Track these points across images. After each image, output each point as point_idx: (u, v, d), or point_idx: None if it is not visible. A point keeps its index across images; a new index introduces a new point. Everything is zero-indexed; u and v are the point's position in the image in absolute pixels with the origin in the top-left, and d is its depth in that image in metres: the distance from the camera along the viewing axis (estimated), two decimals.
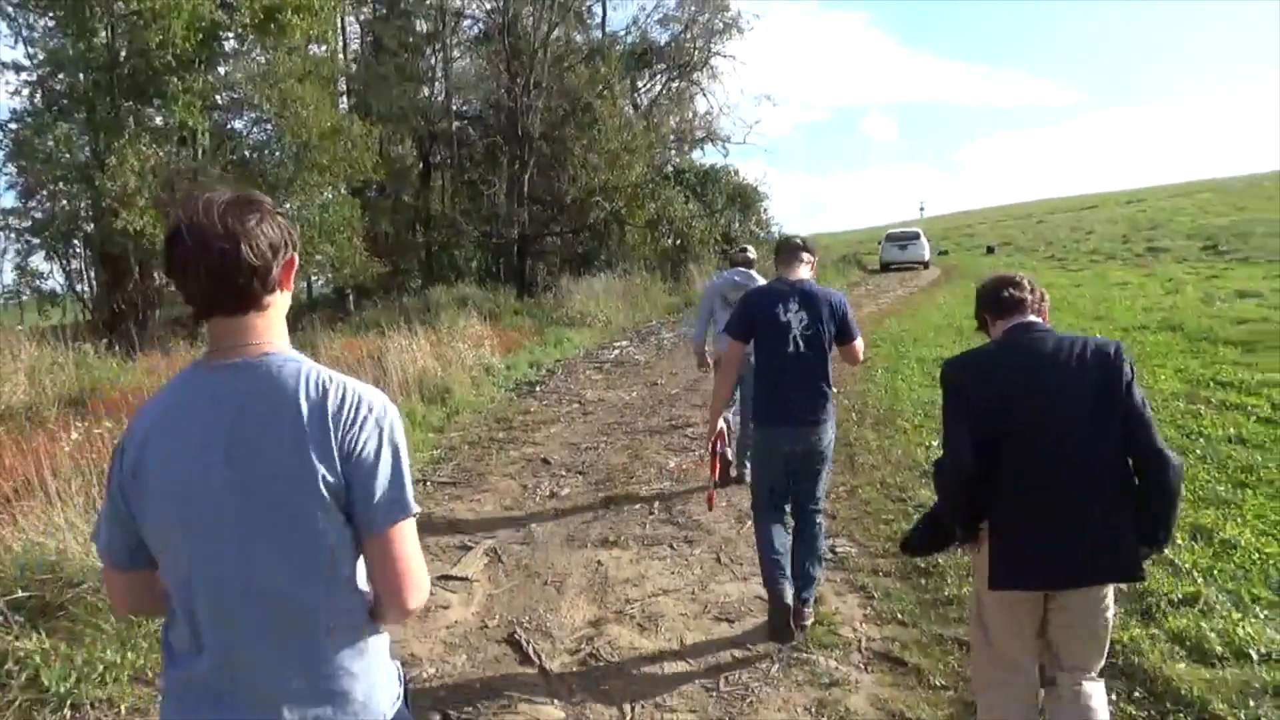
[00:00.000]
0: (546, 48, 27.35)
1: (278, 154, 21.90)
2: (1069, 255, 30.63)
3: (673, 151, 33.40)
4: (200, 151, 21.83)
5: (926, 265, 32.05)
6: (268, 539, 1.46)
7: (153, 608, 1.64)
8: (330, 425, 1.46)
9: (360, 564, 1.55)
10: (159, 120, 20.04)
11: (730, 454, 6.49)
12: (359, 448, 1.47)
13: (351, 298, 25.74)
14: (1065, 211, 58.81)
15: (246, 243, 1.45)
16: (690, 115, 36.03)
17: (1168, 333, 11.63)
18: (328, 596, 1.50)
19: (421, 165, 31.33)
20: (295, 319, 21.02)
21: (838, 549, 5.15)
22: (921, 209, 69.56)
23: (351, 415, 1.48)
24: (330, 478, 1.45)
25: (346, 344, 13.30)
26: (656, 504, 6.25)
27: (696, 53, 34.27)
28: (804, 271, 4.21)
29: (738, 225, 29.85)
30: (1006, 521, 2.61)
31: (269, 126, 23.06)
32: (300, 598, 1.48)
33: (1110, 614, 2.72)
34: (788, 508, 4.22)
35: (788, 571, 4.06)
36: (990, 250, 37.48)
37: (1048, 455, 2.55)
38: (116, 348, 14.16)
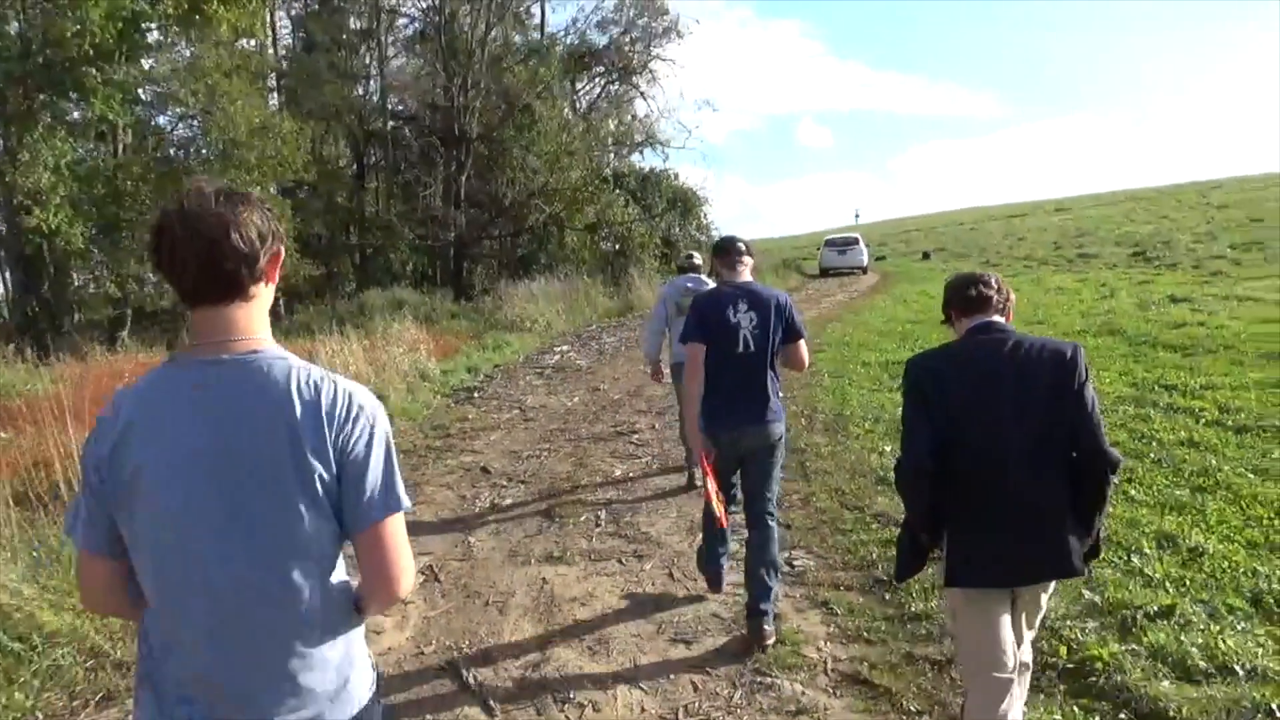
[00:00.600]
0: (484, 47, 26.89)
1: (203, 151, 21.05)
2: (1003, 261, 31.07)
3: (611, 155, 33.15)
4: (121, 148, 20.96)
5: (865, 270, 32.20)
6: (259, 536, 1.45)
7: (123, 608, 1.61)
8: (325, 425, 1.47)
9: (340, 558, 1.56)
10: (76, 114, 19.14)
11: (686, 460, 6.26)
12: (352, 446, 1.49)
13: (282, 301, 24.94)
14: (997, 219, 59.82)
15: (235, 230, 1.46)
16: (629, 119, 35.83)
17: (1108, 336, 11.69)
18: (317, 592, 1.50)
19: (355, 166, 30.57)
20: None
21: (795, 562, 4.89)
22: (857, 215, 70.56)
23: (344, 414, 1.49)
24: (326, 476, 1.47)
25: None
26: (603, 514, 5.93)
27: (635, 56, 34.09)
28: (746, 274, 4.23)
29: (678, 230, 29.68)
30: (964, 519, 2.64)
31: (195, 123, 22.26)
32: (290, 594, 1.48)
33: (1046, 603, 2.85)
34: (735, 509, 4.26)
35: (723, 565, 4.39)
36: (926, 256, 37.92)
37: (1004, 453, 2.58)
38: (28, 353, 13.40)
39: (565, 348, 15.22)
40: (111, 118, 18.01)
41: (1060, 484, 2.60)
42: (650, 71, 34.09)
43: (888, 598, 4.35)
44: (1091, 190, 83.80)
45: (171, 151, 22.34)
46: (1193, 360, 9.60)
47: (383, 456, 1.53)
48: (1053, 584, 2.78)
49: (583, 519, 5.86)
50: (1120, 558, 4.52)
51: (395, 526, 1.54)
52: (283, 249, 1.57)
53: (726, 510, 4.08)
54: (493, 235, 28.21)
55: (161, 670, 1.50)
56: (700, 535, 4.63)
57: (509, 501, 6.35)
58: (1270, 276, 17.47)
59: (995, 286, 2.82)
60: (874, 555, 4.86)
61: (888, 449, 6.95)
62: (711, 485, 4.02)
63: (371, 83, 30.81)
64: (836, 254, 32.49)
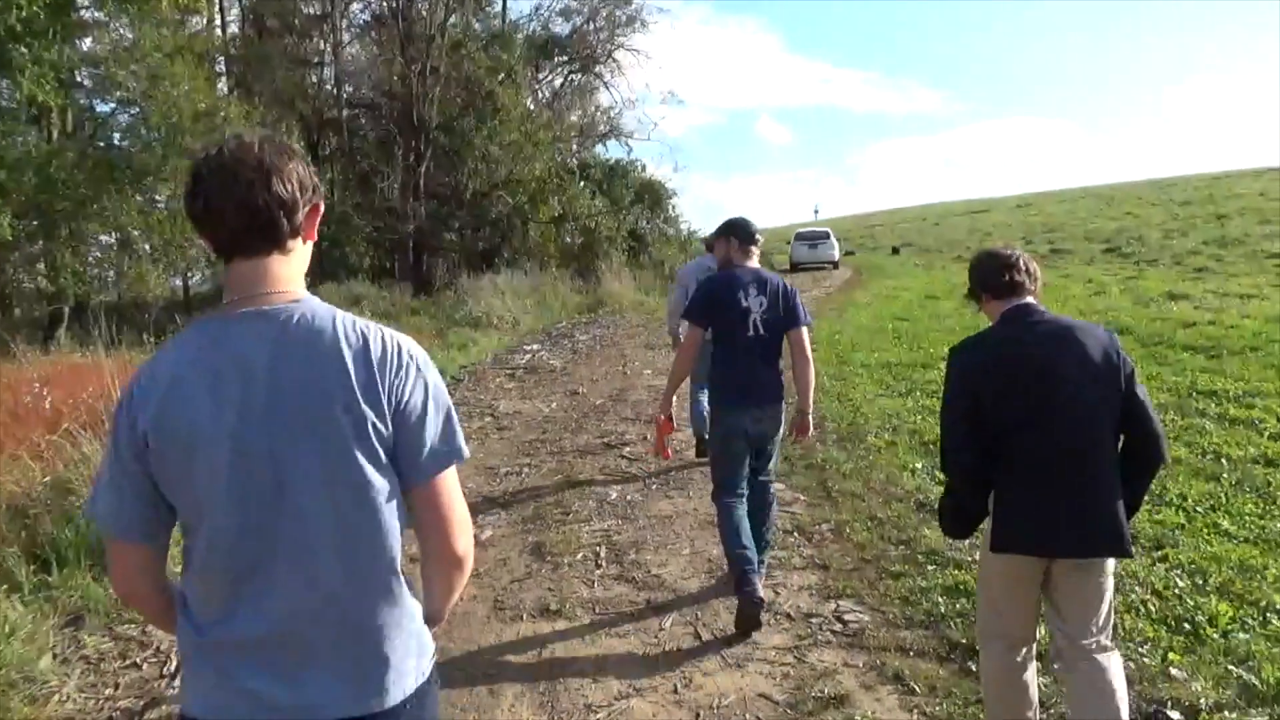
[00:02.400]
0: (444, 33, 25.73)
1: (145, 134, 19.68)
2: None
3: (575, 146, 32.16)
4: (55, 132, 19.61)
5: (836, 265, 31.54)
6: (319, 491, 1.40)
7: (149, 597, 1.53)
8: (377, 374, 1.42)
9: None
10: (3, 96, 17.74)
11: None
12: (407, 396, 1.45)
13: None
14: (959, 215, 59.68)
15: (277, 176, 1.43)
16: (593, 110, 34.92)
17: (1118, 336, 11.02)
18: (382, 551, 1.45)
19: (309, 155, 29.17)
20: (169, 318, 19.14)
21: (846, 616, 4.04)
22: (816, 211, 70.24)
23: (395, 362, 1.44)
24: (381, 427, 1.42)
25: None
26: (603, 551, 5.03)
27: (599, 45, 33.17)
28: (755, 261, 4.31)
29: (645, 223, 28.83)
30: (1012, 492, 2.64)
31: (136, 109, 20.90)
32: (355, 553, 1.43)
33: (1110, 589, 2.72)
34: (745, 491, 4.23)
35: (755, 563, 3.99)
36: (896, 251, 37.41)
37: (1055, 435, 2.58)
38: None
39: (536, 346, 14.24)
40: (43, 99, 16.69)
41: (1114, 464, 2.62)
42: (614, 61, 33.20)
43: (973, 668, 3.50)
44: (1049, 187, 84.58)
45: (116, 137, 20.94)
46: (1219, 363, 8.92)
47: (437, 406, 1.48)
48: (1110, 563, 2.71)
49: (579, 557, 4.95)
50: (1254, 617, 3.72)
51: (451, 479, 1.50)
52: (322, 204, 1.54)
53: (737, 480, 4.14)
54: (453, 228, 27.06)
55: (213, 637, 1.42)
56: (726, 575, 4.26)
57: (488, 533, 5.41)
58: (1256, 273, 17.05)
59: (1026, 269, 2.81)
60: (940, 608, 4.03)
61: (919, 465, 6.15)
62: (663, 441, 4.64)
63: (326, 69, 29.55)
64: (807, 248, 31.76)
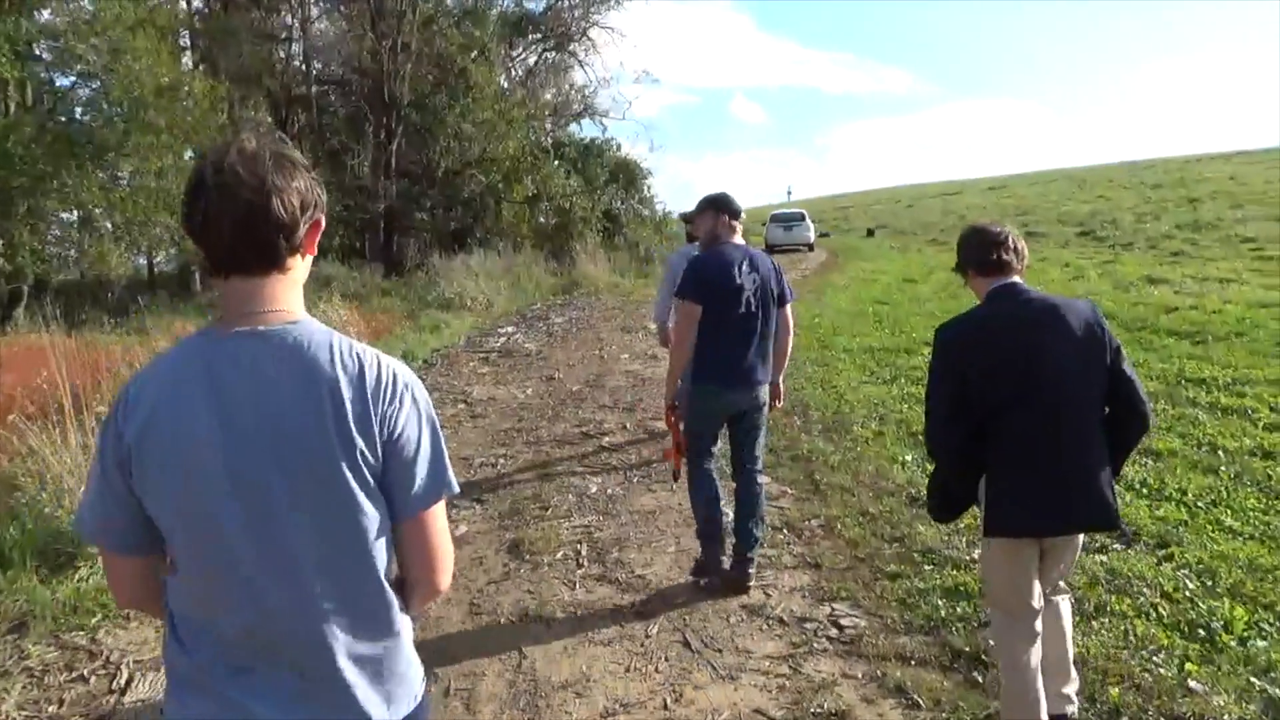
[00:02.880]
0: (415, 9, 25.16)
1: (106, 109, 19.06)
2: (950, 239, 30.60)
3: (549, 125, 31.68)
4: (12, 106, 18.95)
5: (811, 248, 31.36)
6: (304, 515, 1.36)
7: (152, 603, 1.50)
8: (370, 401, 1.38)
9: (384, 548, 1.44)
10: None
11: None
12: (400, 427, 1.41)
13: (197, 276, 23.04)
14: (932, 197, 59.67)
15: (277, 196, 1.37)
16: (567, 88, 34.44)
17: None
18: (369, 575, 1.41)
19: (278, 132, 28.55)
20: (132, 298, 18.59)
21: (843, 621, 3.84)
22: (789, 192, 69.93)
23: (389, 391, 1.41)
24: (370, 457, 1.38)
25: (182, 328, 11.26)
26: (584, 549, 4.80)
27: (574, 22, 32.67)
28: (740, 237, 4.24)
29: (620, 203, 28.47)
30: (1004, 474, 2.66)
31: (97, 83, 20.23)
32: (341, 577, 1.39)
33: (1079, 546, 2.91)
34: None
35: (723, 521, 4.16)
36: (871, 233, 37.29)
37: (1044, 412, 2.60)
38: None
39: (510, 329, 13.94)
40: None
41: (1101, 439, 2.65)
42: (589, 39, 32.73)
43: (979, 679, 3.32)
44: (1021, 170, 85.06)
45: (76, 112, 20.25)
46: (1206, 349, 8.82)
47: (430, 439, 1.45)
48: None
49: (559, 556, 4.71)
50: (1271, 622, 3.55)
51: (438, 513, 1.47)
52: (323, 219, 1.48)
53: (709, 454, 4.18)
54: (425, 207, 26.56)
55: (200, 662, 1.39)
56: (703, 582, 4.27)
57: (463, 529, 5.16)
58: (1233, 258, 17.04)
59: (1014, 247, 2.80)
60: (941, 610, 3.83)
61: (909, 458, 5.95)
62: (675, 442, 4.34)
63: (294, 45, 28.88)
64: (783, 230, 31.54)
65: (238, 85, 24.31)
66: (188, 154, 21.07)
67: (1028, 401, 2.59)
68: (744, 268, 3.99)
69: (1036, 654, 2.75)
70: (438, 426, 1.48)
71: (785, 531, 4.91)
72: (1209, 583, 3.94)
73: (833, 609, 3.97)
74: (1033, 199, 42.81)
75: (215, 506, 1.34)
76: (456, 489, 1.48)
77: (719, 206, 4.21)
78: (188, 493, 1.34)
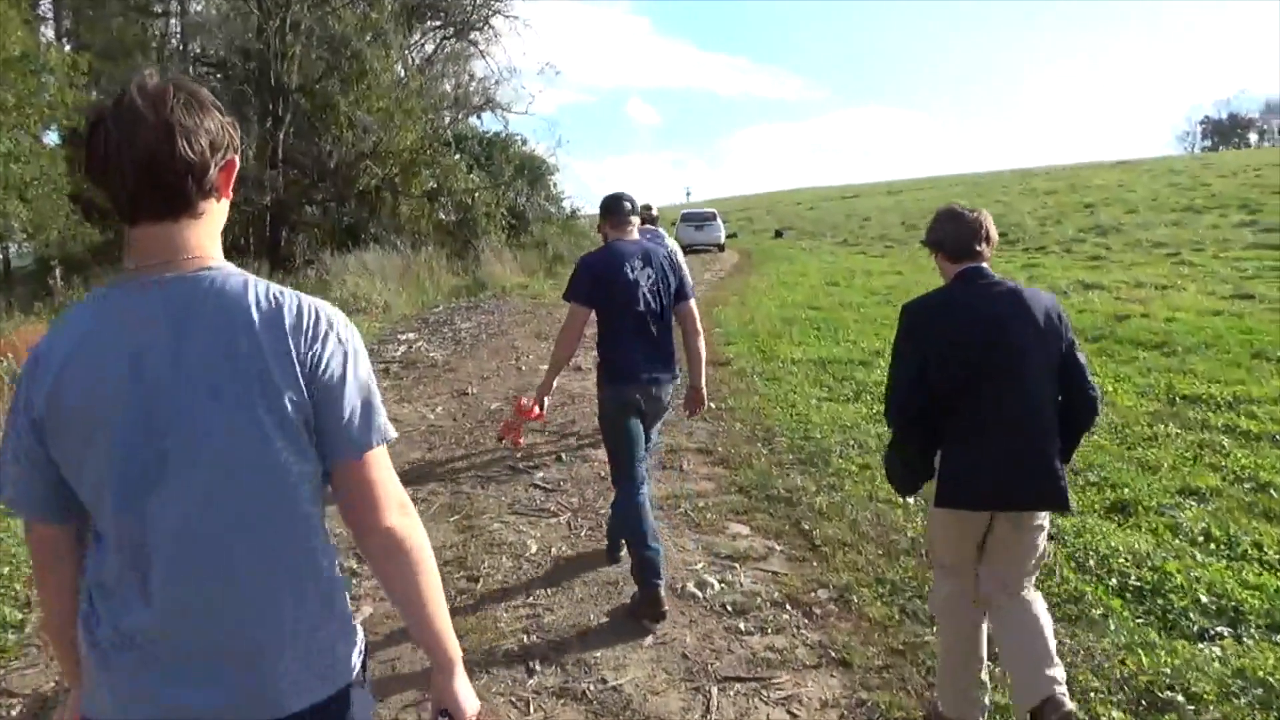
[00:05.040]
0: None
1: None
2: (859, 240, 30.38)
3: (449, 117, 30.13)
4: None
5: (722, 248, 30.65)
6: (227, 472, 1.25)
7: (62, 596, 1.38)
8: (290, 341, 1.28)
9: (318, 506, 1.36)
10: None
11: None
12: (324, 366, 1.30)
13: (58, 271, 20.74)
14: (832, 200, 60.16)
15: (183, 135, 1.26)
16: (468, 79, 32.89)
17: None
18: (294, 536, 1.31)
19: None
20: None
21: None
22: (688, 193, 69.66)
23: (312, 330, 1.30)
24: (295, 398, 1.27)
25: (35, 331, 9.58)
26: (533, 644, 3.63)
27: (475, 9, 31.19)
28: (635, 232, 4.16)
29: (525, 200, 27.18)
30: (958, 449, 2.73)
31: None
32: (265, 537, 1.28)
33: (1043, 541, 2.86)
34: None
35: (660, 565, 3.77)
36: (779, 234, 36.90)
37: (1003, 393, 2.67)
38: None
39: (412, 335, 12.55)
40: None
41: (1055, 422, 2.72)
42: (491, 28, 31.26)
43: None
44: (914, 175, 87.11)
45: None
46: (1180, 361, 8.20)
47: (357, 379, 1.33)
48: (1045, 518, 2.84)
49: (501, 656, 3.52)
50: None
51: (378, 459, 1.35)
52: (238, 159, 1.39)
53: (636, 463, 3.93)
54: (316, 200, 24.77)
55: (116, 627, 1.26)
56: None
57: (367, 610, 3.94)
58: (1155, 262, 16.89)
59: (987, 235, 2.86)
60: None
61: (910, 502, 4.98)
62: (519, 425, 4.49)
63: (172, 21, 26.64)
64: (694, 229, 30.66)
65: (107, 62, 22.08)
66: (49, 135, 18.97)
67: (987, 379, 2.67)
68: (637, 263, 3.92)
69: (977, 631, 2.87)
70: (368, 368, 1.36)
71: (790, 609, 3.85)
72: None
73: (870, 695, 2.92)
74: (932, 203, 43.13)
75: (126, 464, 1.23)
76: (391, 435, 1.36)
77: (605, 211, 4.17)
78: (100, 453, 1.24)
